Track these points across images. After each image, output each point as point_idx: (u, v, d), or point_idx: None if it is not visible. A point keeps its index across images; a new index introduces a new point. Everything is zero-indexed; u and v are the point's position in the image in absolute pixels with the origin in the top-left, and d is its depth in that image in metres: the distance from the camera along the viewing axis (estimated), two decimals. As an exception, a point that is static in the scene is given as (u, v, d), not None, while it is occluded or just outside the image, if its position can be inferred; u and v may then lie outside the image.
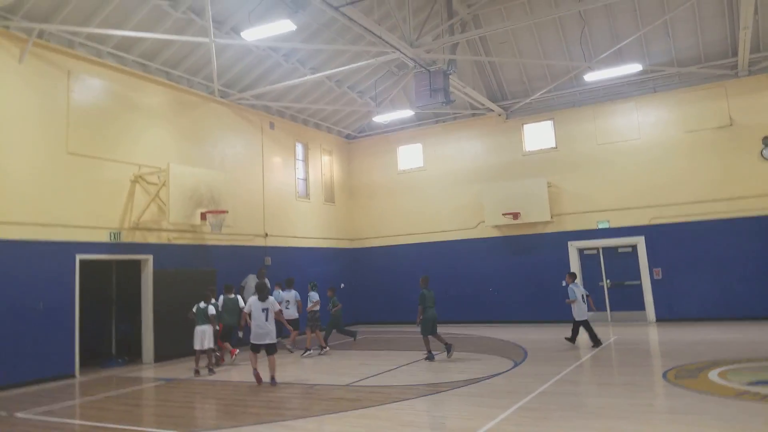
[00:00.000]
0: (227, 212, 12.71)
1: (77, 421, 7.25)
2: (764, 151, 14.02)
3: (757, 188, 13.94)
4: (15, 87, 10.23)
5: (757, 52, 14.11)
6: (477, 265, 17.05)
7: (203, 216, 12.28)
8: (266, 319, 8.88)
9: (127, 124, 12.18)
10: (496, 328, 15.13)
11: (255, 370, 9.01)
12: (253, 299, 9.08)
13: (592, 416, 6.19)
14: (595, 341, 11.24)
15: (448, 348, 10.56)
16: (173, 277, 12.55)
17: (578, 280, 15.78)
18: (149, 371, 11.07)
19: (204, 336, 10.29)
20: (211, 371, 10.25)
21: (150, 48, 12.39)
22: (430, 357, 10.56)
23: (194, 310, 10.49)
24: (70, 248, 10.73)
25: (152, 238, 12.41)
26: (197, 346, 10.29)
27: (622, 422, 5.81)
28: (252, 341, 9.00)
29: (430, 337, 10.67)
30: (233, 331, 11.74)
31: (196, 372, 10.23)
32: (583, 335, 12.01)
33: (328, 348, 12.26)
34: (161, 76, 13.06)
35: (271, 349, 8.93)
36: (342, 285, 17.69)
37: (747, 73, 14.34)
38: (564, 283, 15.81)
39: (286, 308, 12.28)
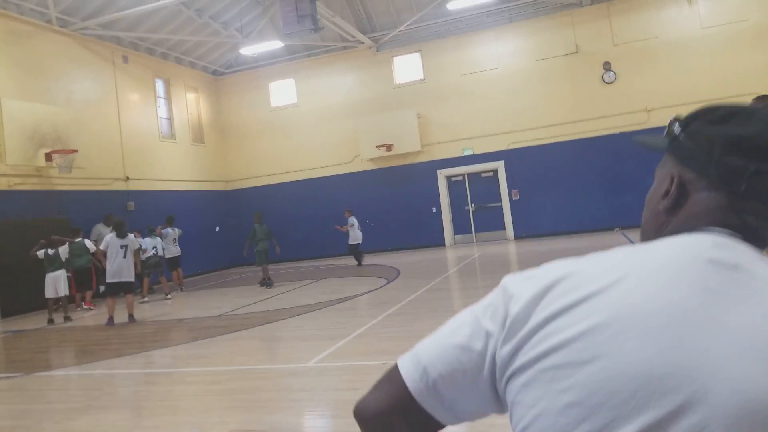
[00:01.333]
0: (77, 152, 11.61)
1: None
2: (604, 75, 15.44)
3: (600, 110, 15.40)
4: None
5: (599, -18, 15.22)
6: (354, 198, 17.30)
7: (49, 157, 11.11)
8: (124, 256, 8.48)
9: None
10: (374, 257, 15.65)
11: (111, 315, 8.44)
12: (111, 236, 8.56)
13: (457, 312, 6.71)
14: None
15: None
16: (17, 228, 11.29)
17: (446, 205, 16.71)
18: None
19: (57, 283, 9.50)
20: (67, 319, 9.57)
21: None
22: (267, 283, 11.19)
23: (40, 256, 9.58)
24: None
25: (-9, 185, 11.02)
26: (50, 294, 9.50)
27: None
28: (108, 280, 8.53)
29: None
30: (87, 275, 10.91)
31: (50, 321, 9.48)
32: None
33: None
34: None
35: (128, 287, 8.61)
36: (217, 228, 17.13)
37: (590, 2, 15.47)
38: (434, 210, 16.64)
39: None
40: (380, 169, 17.25)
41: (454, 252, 14.87)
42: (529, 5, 15.98)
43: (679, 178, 0.76)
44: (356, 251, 13.59)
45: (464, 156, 16.55)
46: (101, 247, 8.78)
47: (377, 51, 17.34)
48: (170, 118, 16.70)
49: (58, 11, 12.62)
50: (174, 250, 12.17)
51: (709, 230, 0.70)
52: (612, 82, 15.34)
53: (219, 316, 8.49)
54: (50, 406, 4.53)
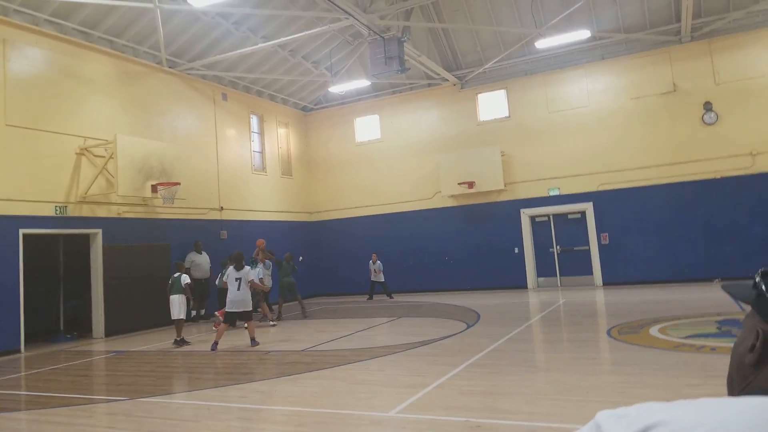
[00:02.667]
0: (179, 184, 12.46)
1: (21, 392, 7.10)
2: (705, 116, 14.60)
3: (698, 153, 14.54)
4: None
5: (699, 17, 14.52)
6: (433, 235, 17.30)
7: (154, 188, 12.01)
8: (238, 288, 9.27)
9: (70, 95, 11.69)
10: (451, 296, 15.47)
11: (217, 341, 9.20)
12: (230, 269, 9.54)
13: (540, 370, 6.48)
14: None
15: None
16: (123, 251, 12.28)
17: (529, 246, 16.30)
18: (99, 345, 10.88)
19: (174, 306, 10.03)
20: (181, 342, 9.96)
21: (91, 15, 11.85)
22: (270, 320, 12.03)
23: (170, 281, 10.30)
24: (13, 222, 10.34)
25: (101, 212, 12.07)
26: (174, 316, 10.07)
27: (567, 375, 6.08)
28: (227, 310, 9.38)
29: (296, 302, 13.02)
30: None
31: (176, 342, 10.04)
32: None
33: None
34: (104, 45, 12.54)
35: (246, 316, 9.39)
36: (301, 258, 17.67)
37: (689, 39, 14.80)
38: (516, 250, 16.29)
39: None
40: (461, 206, 17.17)
41: (537, 296, 14.39)
42: (622, 42, 15.53)
43: (764, 334, 0.78)
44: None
45: (550, 196, 16.13)
46: (224, 278, 9.83)
47: (462, 88, 17.46)
48: (262, 152, 17.60)
49: (168, 53, 13.79)
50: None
51: None
52: (713, 123, 14.47)
53: (303, 351, 8.68)
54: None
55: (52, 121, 11.23)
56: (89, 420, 5.62)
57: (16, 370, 8.80)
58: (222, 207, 15.37)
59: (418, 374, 6.59)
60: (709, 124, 14.52)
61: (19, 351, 10.24)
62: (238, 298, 9.26)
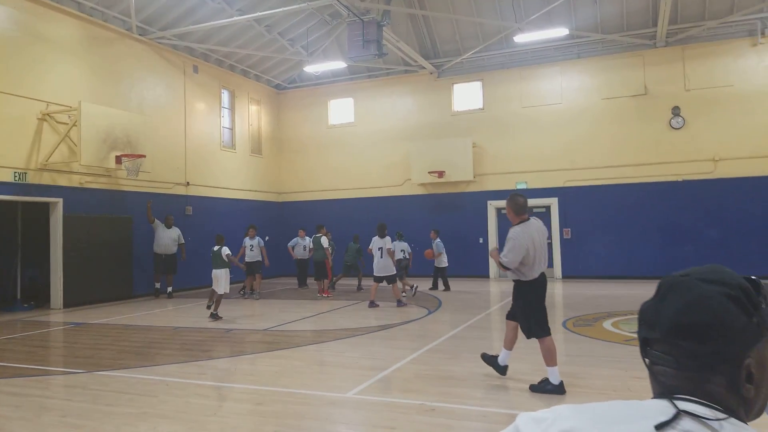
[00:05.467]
0: (144, 157, 12.19)
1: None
2: (672, 120, 15.03)
3: (664, 156, 14.98)
4: None
5: (675, 23, 14.82)
6: (403, 221, 17.38)
7: (118, 159, 11.72)
8: (381, 256, 10.80)
9: (34, 58, 11.24)
10: (416, 282, 15.62)
11: (373, 299, 10.85)
12: (374, 238, 11.04)
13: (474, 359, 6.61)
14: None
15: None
16: (84, 222, 11.99)
17: (494, 237, 16.60)
18: (58, 316, 10.65)
19: (218, 279, 9.83)
20: (214, 316, 9.70)
21: (59, -26, 11.39)
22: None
23: (210, 254, 10.11)
24: (-34, 187, 9.97)
25: (62, 181, 11.72)
26: (214, 286, 9.90)
27: (519, 363, 6.25)
28: (375, 274, 10.95)
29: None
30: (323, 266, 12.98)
31: (208, 307, 10.18)
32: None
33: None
34: (72, 7, 12.08)
35: (391, 280, 10.86)
36: (267, 238, 17.53)
37: (664, 44, 15.12)
38: (481, 240, 16.55)
39: (251, 250, 12.99)
40: (430, 194, 17.30)
41: (498, 286, 14.69)
42: (598, 42, 15.78)
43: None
44: (444, 275, 13.84)
45: (517, 189, 16.39)
46: (389, 247, 10.96)
47: (438, 77, 17.50)
48: (232, 128, 17.31)
49: (139, 20, 13.38)
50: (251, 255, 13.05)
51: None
52: (680, 128, 14.91)
53: (265, 330, 8.69)
54: (110, 409, 4.76)
55: (13, 83, 10.80)
56: (44, 391, 5.53)
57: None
58: (188, 182, 15.10)
59: (377, 357, 6.70)
60: (676, 129, 14.96)
61: None
62: (380, 264, 10.82)
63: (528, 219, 5.22)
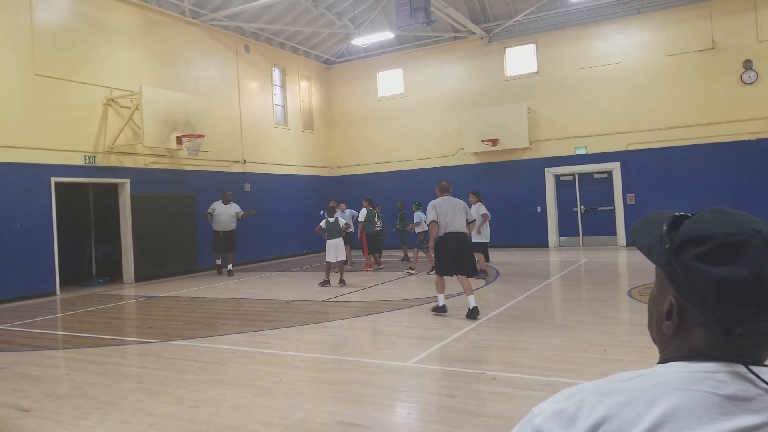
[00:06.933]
0: (203, 137, 12.56)
1: (59, 332, 7.47)
2: (744, 75, 14.00)
3: (736, 113, 14.01)
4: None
5: (745, -30, 13.74)
6: (455, 192, 17.13)
7: (179, 140, 12.13)
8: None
9: (95, 46, 11.71)
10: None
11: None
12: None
13: (556, 327, 6.53)
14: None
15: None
16: (151, 201, 12.57)
17: (552, 205, 16.16)
18: (130, 290, 11.29)
19: (337, 249, 10.38)
20: (342, 283, 10.38)
21: (114, -39, 11.72)
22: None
23: (323, 225, 10.63)
24: (44, 171, 10.61)
25: (128, 162, 12.28)
26: (330, 258, 10.42)
27: (584, 332, 6.13)
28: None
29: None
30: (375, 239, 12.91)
31: (325, 282, 10.43)
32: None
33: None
34: None
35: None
36: (322, 212, 17.79)
37: (733, -7, 14.05)
38: (539, 209, 16.10)
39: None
40: (484, 163, 16.99)
41: (558, 255, 14.36)
42: (660, -5, 14.81)
43: (679, 305, 0.80)
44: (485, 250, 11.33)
45: (576, 155, 15.84)
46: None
47: (489, 42, 16.98)
48: (284, 105, 17.52)
49: (191, 3, 13.62)
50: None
51: (716, 364, 0.76)
52: (752, 83, 13.87)
53: (323, 301, 8.88)
54: (183, 376, 5.03)
55: (78, 70, 11.31)
56: (122, 360, 5.90)
57: (53, 311, 9.21)
58: (245, 160, 15.48)
59: (434, 328, 6.72)
60: (748, 84, 13.92)
61: (54, 293, 10.69)
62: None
63: (448, 196, 7.39)
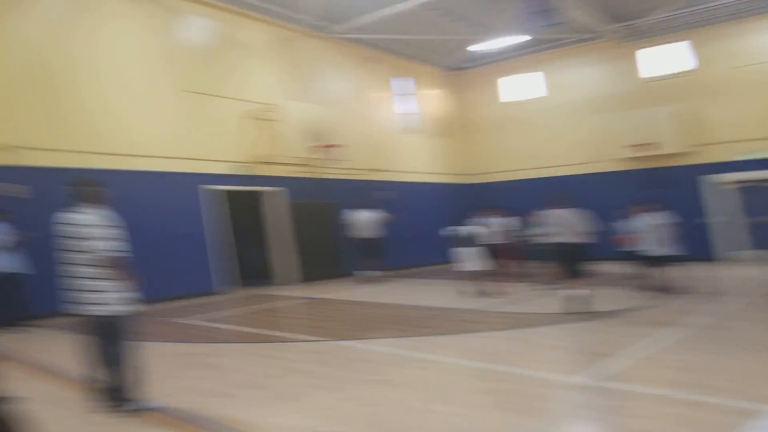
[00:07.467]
0: (339, 146, 13.13)
1: (231, 327, 8.04)
2: None
3: None
4: (126, 28, 10.87)
5: None
6: (604, 200, 15.99)
7: (317, 149, 12.77)
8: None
9: (234, 62, 12.65)
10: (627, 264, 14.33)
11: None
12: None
13: (743, 351, 5.72)
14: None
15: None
16: (302, 207, 13.34)
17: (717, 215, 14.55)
18: (290, 291, 11.76)
19: (477, 258, 9.71)
20: (485, 293, 9.57)
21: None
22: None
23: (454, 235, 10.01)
24: (195, 179, 11.46)
25: (275, 172, 12.97)
26: (472, 268, 9.71)
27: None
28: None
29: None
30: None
31: (480, 292, 9.63)
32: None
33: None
34: (260, 12, 13.21)
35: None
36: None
37: None
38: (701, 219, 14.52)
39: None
40: (635, 170, 15.75)
41: (734, 270, 12.73)
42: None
43: None
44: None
45: (740, 161, 14.19)
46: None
47: (629, 41, 15.82)
48: (414, 113, 17.73)
49: (317, 18, 14.15)
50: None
51: None
52: None
53: (473, 310, 8.60)
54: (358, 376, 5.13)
55: (220, 86, 12.24)
56: (293, 355, 6.18)
57: (221, 309, 9.81)
58: (379, 168, 15.79)
59: (600, 343, 6.24)
60: None
61: (226, 293, 11.43)
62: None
63: None
